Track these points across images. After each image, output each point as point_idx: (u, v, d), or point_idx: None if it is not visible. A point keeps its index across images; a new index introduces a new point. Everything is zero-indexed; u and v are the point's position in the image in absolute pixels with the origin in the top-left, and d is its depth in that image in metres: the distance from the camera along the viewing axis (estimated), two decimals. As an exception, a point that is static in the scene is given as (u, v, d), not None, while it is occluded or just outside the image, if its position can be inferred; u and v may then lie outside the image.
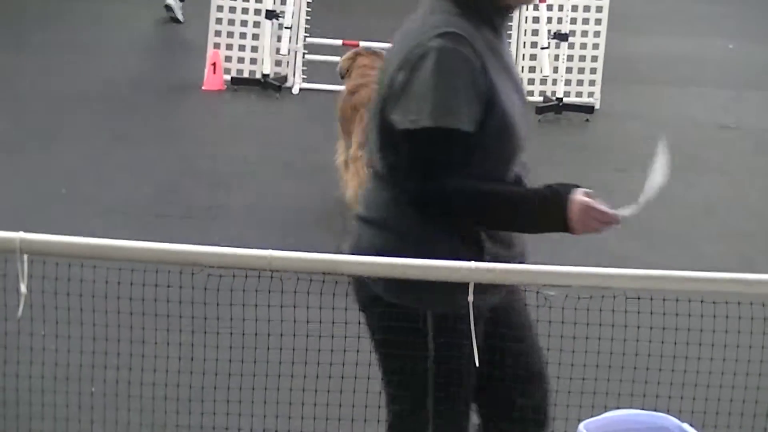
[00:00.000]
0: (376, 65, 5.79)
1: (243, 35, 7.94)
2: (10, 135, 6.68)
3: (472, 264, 2.24)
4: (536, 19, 7.81)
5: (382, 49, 5.97)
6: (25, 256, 2.25)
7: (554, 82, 7.85)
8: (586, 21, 7.98)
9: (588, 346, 2.92)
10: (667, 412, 2.99)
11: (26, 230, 2.28)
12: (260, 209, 5.75)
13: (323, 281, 2.58)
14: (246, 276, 2.39)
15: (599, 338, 2.94)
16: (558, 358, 2.95)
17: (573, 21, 7.89)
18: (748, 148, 7.48)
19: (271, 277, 2.39)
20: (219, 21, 7.91)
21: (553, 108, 7.76)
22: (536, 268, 2.34)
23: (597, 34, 7.98)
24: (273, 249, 2.23)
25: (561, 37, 7.79)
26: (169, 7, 9.57)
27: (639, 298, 2.72)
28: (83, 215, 5.49)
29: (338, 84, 7.92)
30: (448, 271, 2.24)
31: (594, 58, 8.00)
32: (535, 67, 7.90)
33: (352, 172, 5.39)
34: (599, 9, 7.97)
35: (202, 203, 5.77)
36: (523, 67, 7.94)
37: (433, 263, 2.25)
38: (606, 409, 3.02)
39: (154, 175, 6.16)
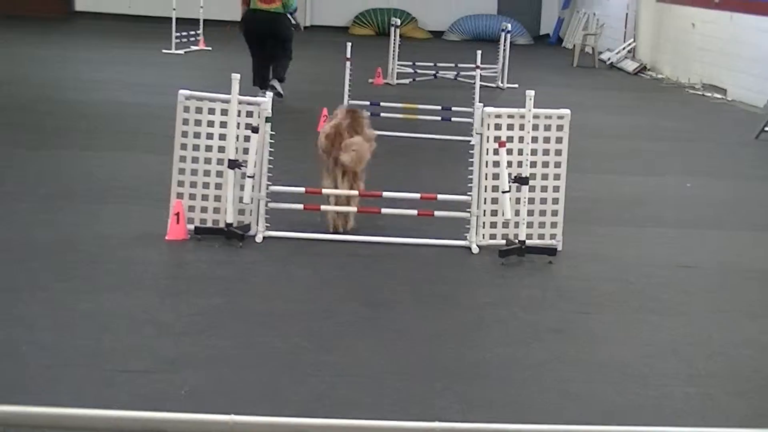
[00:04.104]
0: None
1: (206, 185, 7.99)
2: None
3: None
4: (496, 164, 7.92)
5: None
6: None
7: (516, 225, 7.93)
8: (545, 164, 8.09)
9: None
10: None
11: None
12: (226, 361, 5.70)
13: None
14: (208, 441, 2.35)
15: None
16: None
17: (533, 164, 8.01)
18: (709, 287, 7.54)
19: (234, 442, 2.36)
20: (182, 171, 7.97)
21: (516, 251, 7.82)
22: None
23: (557, 176, 8.09)
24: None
25: (521, 180, 7.89)
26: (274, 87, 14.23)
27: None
28: (45, 370, 5.41)
29: (301, 232, 8.01)
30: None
31: (555, 201, 8.10)
32: (497, 211, 7.99)
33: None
34: (558, 152, 8.09)
35: (167, 355, 5.71)
36: (485, 211, 8.03)
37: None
38: None
39: (117, 326, 6.10)
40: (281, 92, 14.56)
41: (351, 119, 8.31)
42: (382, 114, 12.71)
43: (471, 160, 8.07)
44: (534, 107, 7.95)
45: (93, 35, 23.83)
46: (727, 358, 6.12)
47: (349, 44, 12.96)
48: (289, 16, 14.85)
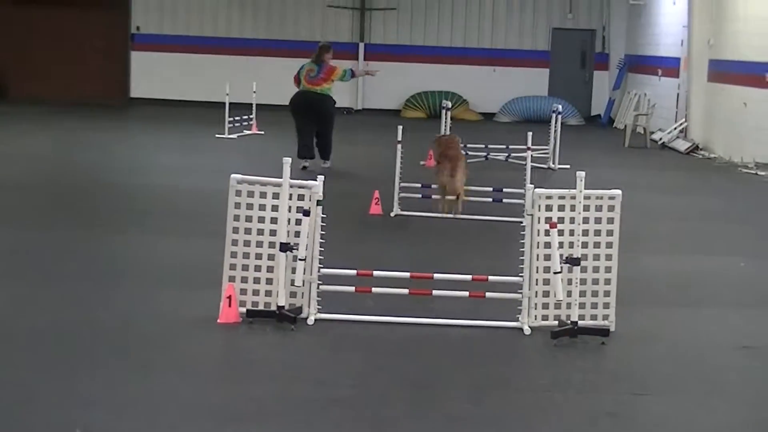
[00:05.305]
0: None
1: (258, 268, 8.02)
2: (25, 366, 6.68)
3: None
4: (548, 245, 7.89)
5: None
6: None
7: (568, 306, 7.87)
8: (597, 245, 8.05)
9: None
10: None
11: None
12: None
13: None
14: None
15: None
16: None
17: (584, 245, 7.97)
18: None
19: None
20: (234, 254, 8.01)
21: (568, 332, 7.76)
22: None
23: (609, 257, 8.04)
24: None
25: (573, 261, 7.85)
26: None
27: None
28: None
29: (353, 314, 8.00)
30: None
31: (607, 281, 8.03)
32: (548, 292, 7.94)
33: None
34: (610, 233, 8.05)
35: (218, 439, 5.72)
36: (537, 292, 7.98)
37: None
38: None
39: (169, 409, 6.12)
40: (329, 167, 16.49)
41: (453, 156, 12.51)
42: (433, 196, 12.77)
43: (522, 241, 8.05)
44: (585, 188, 7.93)
45: (148, 121, 24.22)
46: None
47: (400, 127, 13.05)
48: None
